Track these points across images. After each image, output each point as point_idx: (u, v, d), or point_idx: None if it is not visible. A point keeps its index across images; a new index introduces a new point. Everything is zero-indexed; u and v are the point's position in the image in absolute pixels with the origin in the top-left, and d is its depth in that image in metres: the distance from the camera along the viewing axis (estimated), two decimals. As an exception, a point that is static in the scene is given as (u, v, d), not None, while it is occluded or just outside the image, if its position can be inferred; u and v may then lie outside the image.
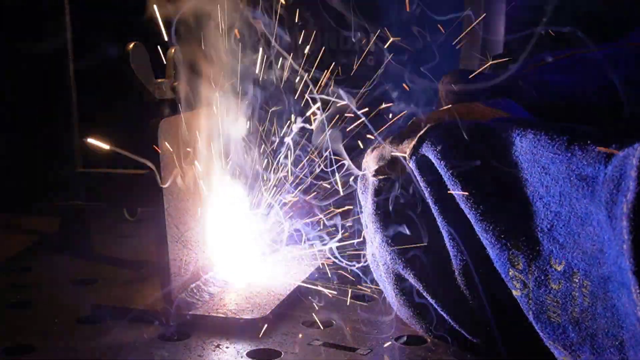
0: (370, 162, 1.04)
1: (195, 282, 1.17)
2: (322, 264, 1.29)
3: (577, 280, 0.80)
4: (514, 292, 0.87)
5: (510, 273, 0.86)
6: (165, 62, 1.23)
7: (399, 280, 1.04)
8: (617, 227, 0.73)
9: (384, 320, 1.11)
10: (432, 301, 0.99)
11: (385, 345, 1.03)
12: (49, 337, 1.07)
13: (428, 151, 0.92)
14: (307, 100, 1.28)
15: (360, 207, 1.10)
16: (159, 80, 1.21)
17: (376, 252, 1.06)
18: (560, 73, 1.19)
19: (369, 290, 1.20)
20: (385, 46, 1.29)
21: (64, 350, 1.03)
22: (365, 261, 1.15)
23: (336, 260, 1.22)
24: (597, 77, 1.14)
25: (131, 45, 1.15)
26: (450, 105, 1.12)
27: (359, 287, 1.22)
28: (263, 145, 1.32)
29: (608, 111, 1.10)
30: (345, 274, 1.25)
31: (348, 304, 1.17)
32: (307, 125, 1.26)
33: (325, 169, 1.28)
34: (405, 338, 1.05)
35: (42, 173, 1.53)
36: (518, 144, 0.86)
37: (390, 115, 1.28)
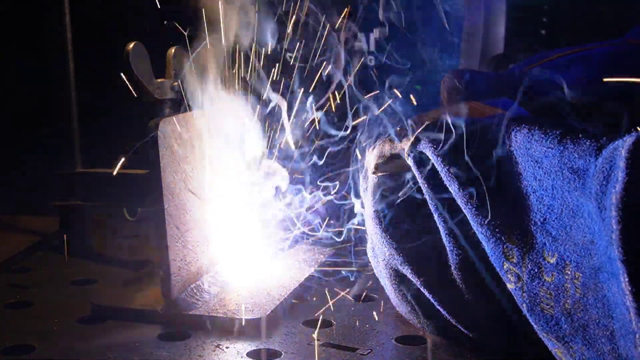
0: (370, 159, 1.05)
1: (195, 282, 1.17)
2: (323, 263, 1.29)
3: (569, 272, 0.82)
4: (509, 285, 0.88)
5: (504, 266, 0.88)
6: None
7: (397, 275, 1.05)
8: (607, 218, 0.74)
9: (384, 320, 1.11)
10: (429, 296, 1.00)
11: (385, 345, 1.03)
12: (49, 337, 1.07)
13: (426, 148, 0.94)
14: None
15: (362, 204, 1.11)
16: (159, 80, 1.21)
17: (376, 247, 1.07)
18: (561, 71, 1.19)
19: (369, 290, 1.20)
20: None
21: (64, 350, 1.03)
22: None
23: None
24: (597, 74, 1.15)
25: (131, 45, 1.15)
26: (449, 104, 1.12)
27: (360, 286, 1.22)
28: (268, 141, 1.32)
29: (608, 109, 1.11)
30: (346, 274, 1.25)
31: (348, 304, 1.17)
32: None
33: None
34: (405, 338, 1.05)
35: (42, 173, 1.53)
36: (513, 139, 0.88)
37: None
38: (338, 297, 1.19)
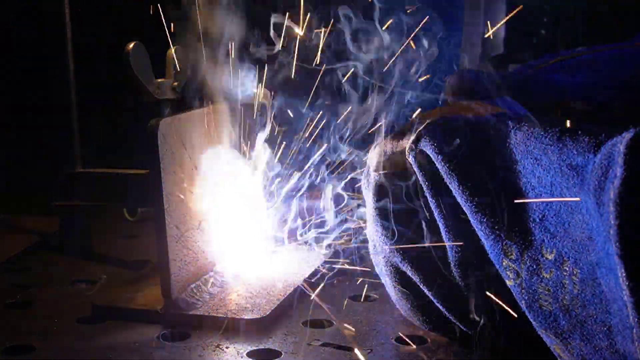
0: (372, 157, 1.06)
1: (195, 282, 1.17)
2: (323, 263, 1.29)
3: (567, 269, 0.82)
4: (508, 282, 0.89)
5: (504, 263, 0.89)
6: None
7: (397, 273, 1.05)
8: (605, 213, 0.74)
9: (384, 320, 1.11)
10: (429, 293, 1.01)
11: (385, 345, 1.03)
12: (49, 337, 1.07)
13: (426, 146, 0.95)
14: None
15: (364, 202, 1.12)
16: (159, 80, 1.21)
17: (377, 245, 1.07)
18: (567, 73, 1.20)
19: (369, 290, 1.20)
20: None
21: (64, 350, 1.03)
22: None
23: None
24: (604, 76, 1.15)
25: (131, 45, 1.15)
26: (452, 103, 1.12)
27: (360, 287, 1.22)
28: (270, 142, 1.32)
29: (615, 110, 1.11)
30: (346, 273, 1.25)
31: (348, 303, 1.17)
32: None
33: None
34: (405, 338, 1.05)
35: (42, 173, 1.53)
36: (512, 136, 0.89)
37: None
38: (338, 297, 1.19)
